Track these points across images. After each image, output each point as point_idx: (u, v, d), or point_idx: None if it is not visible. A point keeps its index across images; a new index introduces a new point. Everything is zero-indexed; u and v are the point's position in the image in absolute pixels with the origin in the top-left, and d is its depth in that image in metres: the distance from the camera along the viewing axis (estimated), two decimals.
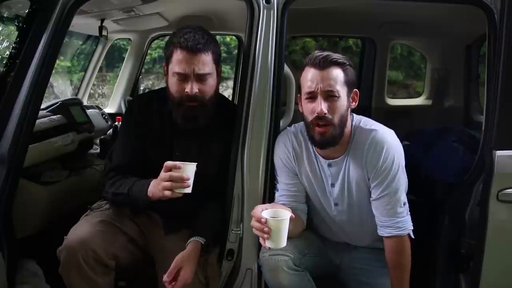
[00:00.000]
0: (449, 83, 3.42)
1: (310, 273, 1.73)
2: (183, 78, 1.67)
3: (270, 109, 1.77)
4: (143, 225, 1.86)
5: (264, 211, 1.50)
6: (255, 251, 1.77)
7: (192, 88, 1.66)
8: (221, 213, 1.79)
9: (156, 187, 1.60)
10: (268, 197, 1.78)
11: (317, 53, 1.65)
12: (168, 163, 1.56)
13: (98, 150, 2.88)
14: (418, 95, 4.01)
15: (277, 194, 1.78)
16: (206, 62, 1.67)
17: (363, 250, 1.84)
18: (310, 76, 1.63)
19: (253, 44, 1.77)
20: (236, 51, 3.77)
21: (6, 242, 1.68)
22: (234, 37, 3.72)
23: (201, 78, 1.68)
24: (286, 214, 1.49)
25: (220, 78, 1.79)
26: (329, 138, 1.63)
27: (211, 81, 1.71)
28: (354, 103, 1.69)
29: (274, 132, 1.79)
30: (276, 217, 1.48)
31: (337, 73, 1.62)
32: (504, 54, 1.69)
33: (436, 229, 1.86)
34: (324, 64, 1.61)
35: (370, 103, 3.47)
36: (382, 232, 1.69)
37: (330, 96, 1.61)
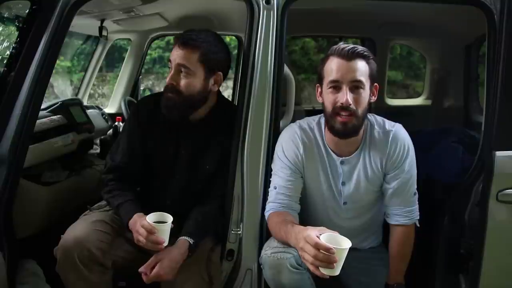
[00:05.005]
0: (449, 83, 3.41)
1: (310, 273, 1.72)
2: (171, 68, 1.73)
3: (270, 109, 1.76)
4: None
5: (323, 237, 1.39)
6: (255, 251, 1.76)
7: (170, 77, 1.72)
8: (218, 213, 1.78)
9: (134, 230, 1.65)
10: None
11: (343, 44, 1.65)
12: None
13: (98, 150, 2.88)
14: (417, 95, 4.00)
15: (273, 192, 1.73)
16: (188, 58, 1.69)
17: (361, 249, 1.83)
18: (336, 66, 1.62)
19: (253, 44, 1.77)
20: (236, 51, 3.76)
21: (6, 242, 1.68)
22: (234, 37, 3.72)
23: (179, 70, 1.71)
24: (346, 241, 1.39)
25: (208, 83, 1.73)
26: (351, 128, 1.64)
27: (191, 79, 1.70)
28: (374, 97, 1.70)
29: (274, 132, 1.78)
30: (337, 245, 1.37)
31: (363, 65, 1.63)
32: (504, 54, 1.69)
33: (436, 229, 1.86)
34: (351, 56, 1.61)
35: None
36: (391, 220, 1.74)
37: (356, 87, 1.62)
